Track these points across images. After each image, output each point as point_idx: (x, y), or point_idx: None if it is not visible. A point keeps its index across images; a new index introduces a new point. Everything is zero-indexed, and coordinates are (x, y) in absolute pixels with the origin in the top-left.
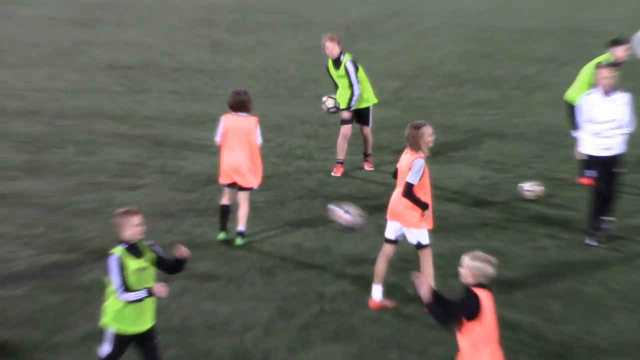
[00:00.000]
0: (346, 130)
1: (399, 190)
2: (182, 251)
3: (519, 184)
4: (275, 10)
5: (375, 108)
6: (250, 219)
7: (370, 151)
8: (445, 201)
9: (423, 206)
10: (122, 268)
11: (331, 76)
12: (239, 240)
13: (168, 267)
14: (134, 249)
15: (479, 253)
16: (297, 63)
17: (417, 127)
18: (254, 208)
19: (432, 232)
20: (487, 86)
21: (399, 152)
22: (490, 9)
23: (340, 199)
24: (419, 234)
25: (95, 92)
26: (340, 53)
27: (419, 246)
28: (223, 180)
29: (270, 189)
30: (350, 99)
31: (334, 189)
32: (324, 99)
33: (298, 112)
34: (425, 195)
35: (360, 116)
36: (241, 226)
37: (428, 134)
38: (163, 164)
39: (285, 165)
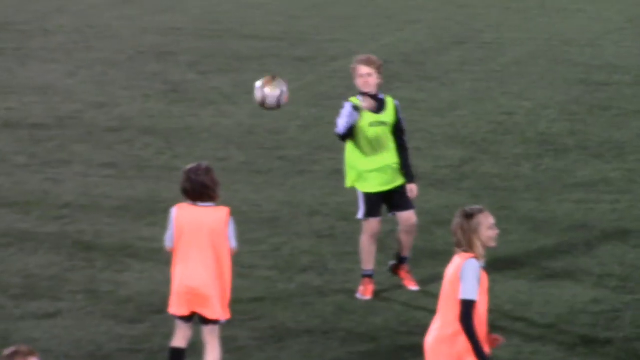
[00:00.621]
0: (373, 225)
1: (437, 321)
2: None
3: None
4: (268, 35)
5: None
6: None
7: (407, 254)
8: (537, 337)
9: (480, 353)
10: None
11: (350, 129)
12: None
13: None
14: None
15: None
16: (303, 119)
17: (470, 216)
18: (233, 349)
19: None
20: (602, 157)
21: None
22: (607, 36)
23: (371, 335)
24: None
25: None
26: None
27: None
28: (176, 308)
29: (261, 319)
30: (409, 164)
31: (362, 318)
32: (260, 85)
33: (304, 198)
34: (479, 327)
35: (396, 197)
36: None
37: (486, 226)
38: (91, 279)
39: (285, 282)
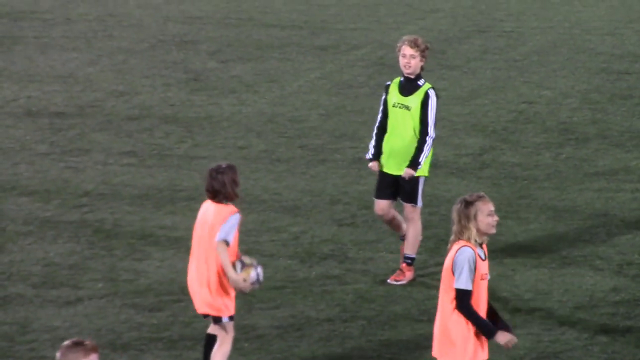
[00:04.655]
0: (376, 205)
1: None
2: None
3: None
4: (289, 24)
5: (431, 181)
6: (250, 353)
7: (411, 253)
8: (557, 325)
9: (486, 329)
10: None
11: (385, 107)
12: None
13: None
14: None
15: None
16: (324, 108)
17: (469, 203)
18: (253, 337)
19: None
20: (623, 146)
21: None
22: (628, 24)
23: (391, 323)
24: None
25: (5, 154)
26: (420, 73)
27: None
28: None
29: (281, 307)
30: (418, 152)
31: (382, 307)
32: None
33: (325, 186)
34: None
35: (403, 187)
36: None
37: (484, 213)
38: (111, 267)
39: (305, 270)
